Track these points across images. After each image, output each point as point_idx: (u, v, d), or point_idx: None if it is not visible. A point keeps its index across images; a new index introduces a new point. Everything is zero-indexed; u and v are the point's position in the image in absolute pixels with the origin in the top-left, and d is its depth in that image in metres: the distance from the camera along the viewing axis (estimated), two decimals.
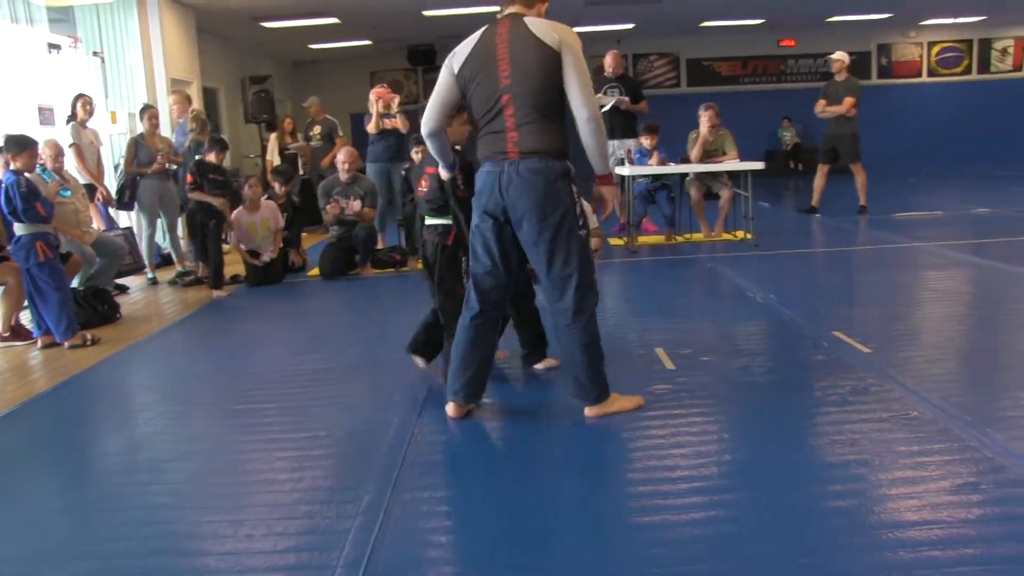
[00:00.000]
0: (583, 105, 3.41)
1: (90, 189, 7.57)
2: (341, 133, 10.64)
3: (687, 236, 8.69)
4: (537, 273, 3.65)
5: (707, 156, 8.45)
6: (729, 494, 2.95)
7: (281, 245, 7.86)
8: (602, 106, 8.81)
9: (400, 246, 8.26)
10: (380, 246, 8.46)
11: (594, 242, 4.16)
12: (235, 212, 7.54)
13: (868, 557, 2.45)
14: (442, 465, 3.30)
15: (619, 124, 8.97)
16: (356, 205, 7.73)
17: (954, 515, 2.67)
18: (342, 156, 7.82)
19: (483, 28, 3.52)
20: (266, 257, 7.60)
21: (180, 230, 8.45)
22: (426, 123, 3.65)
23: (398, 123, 8.74)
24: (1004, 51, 18.12)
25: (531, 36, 3.39)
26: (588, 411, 3.64)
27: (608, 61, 9.19)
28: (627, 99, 8.94)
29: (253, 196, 7.68)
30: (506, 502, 2.96)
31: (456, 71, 3.52)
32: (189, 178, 7.27)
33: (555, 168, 3.44)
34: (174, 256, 8.28)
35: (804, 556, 2.47)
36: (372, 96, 8.81)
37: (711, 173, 8.46)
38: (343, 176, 7.74)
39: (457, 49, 3.54)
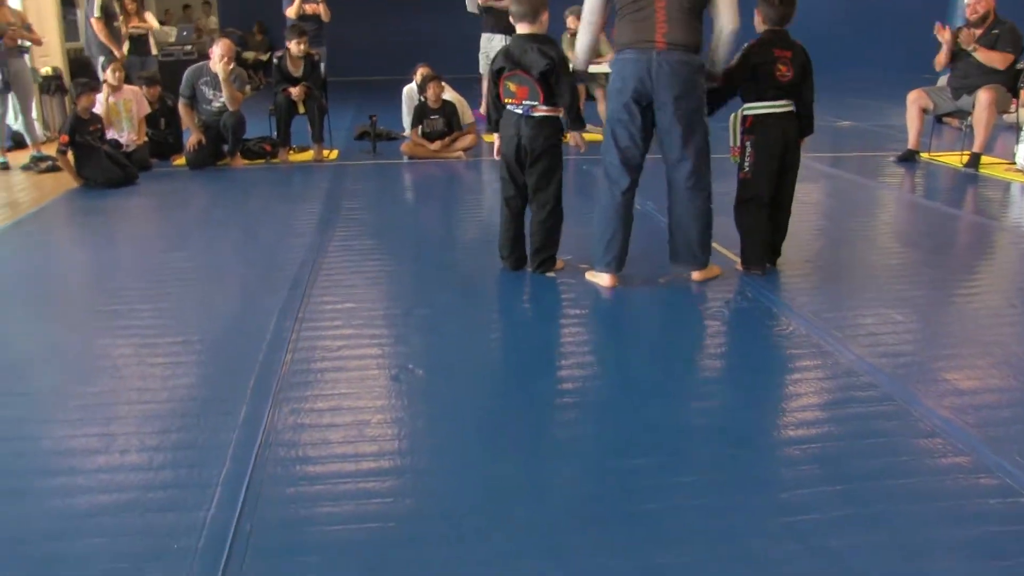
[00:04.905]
0: (732, 19, 3.93)
1: None
2: None
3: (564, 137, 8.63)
4: (667, 151, 4.02)
5: None
6: (610, 408, 3.01)
7: (146, 138, 7.46)
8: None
9: (270, 136, 7.92)
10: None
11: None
12: (98, 94, 7.06)
13: (751, 474, 2.54)
14: (323, 374, 3.22)
15: (493, 21, 9.15)
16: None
17: (828, 431, 2.80)
18: (220, 49, 7.29)
19: None
20: (127, 143, 7.19)
21: (35, 111, 7.86)
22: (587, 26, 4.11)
23: (320, 9, 8.77)
24: None
25: None
26: (696, 275, 4.19)
27: None
28: None
29: (115, 81, 7.23)
30: (395, 410, 2.93)
31: None
32: (64, 138, 6.62)
33: (696, 61, 3.90)
34: (28, 139, 7.73)
35: (687, 474, 2.54)
36: None
37: (589, 74, 8.39)
38: (216, 68, 7.28)
39: None
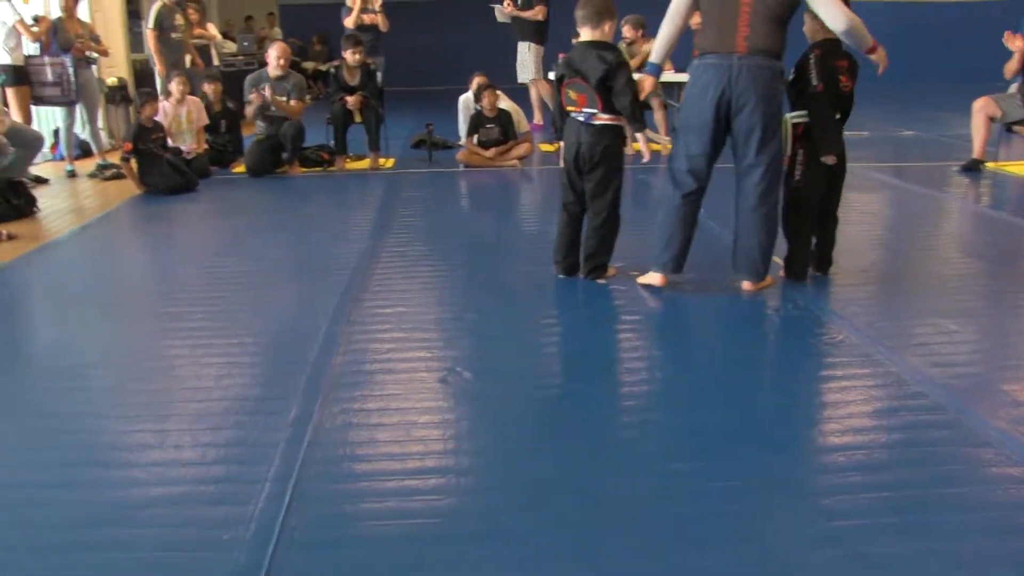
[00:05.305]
0: (836, 19, 3.82)
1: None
2: None
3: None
4: (740, 157, 3.99)
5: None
6: (656, 413, 3.02)
7: (206, 145, 7.64)
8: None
9: (328, 145, 8.05)
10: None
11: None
12: (161, 103, 7.26)
13: (794, 480, 2.52)
14: (372, 376, 3.26)
15: (521, 30, 9.55)
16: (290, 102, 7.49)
17: (874, 439, 2.76)
18: (276, 52, 7.48)
19: None
20: (188, 151, 7.38)
21: (100, 121, 8.09)
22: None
23: (377, 19, 8.96)
24: None
25: None
26: (747, 285, 4.13)
27: None
28: (511, 6, 9.39)
29: (179, 95, 7.43)
30: (441, 412, 2.97)
31: None
32: (127, 146, 6.84)
33: (776, 68, 3.88)
34: (94, 147, 7.97)
35: (730, 479, 2.52)
36: None
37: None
38: (274, 72, 7.45)
39: None
